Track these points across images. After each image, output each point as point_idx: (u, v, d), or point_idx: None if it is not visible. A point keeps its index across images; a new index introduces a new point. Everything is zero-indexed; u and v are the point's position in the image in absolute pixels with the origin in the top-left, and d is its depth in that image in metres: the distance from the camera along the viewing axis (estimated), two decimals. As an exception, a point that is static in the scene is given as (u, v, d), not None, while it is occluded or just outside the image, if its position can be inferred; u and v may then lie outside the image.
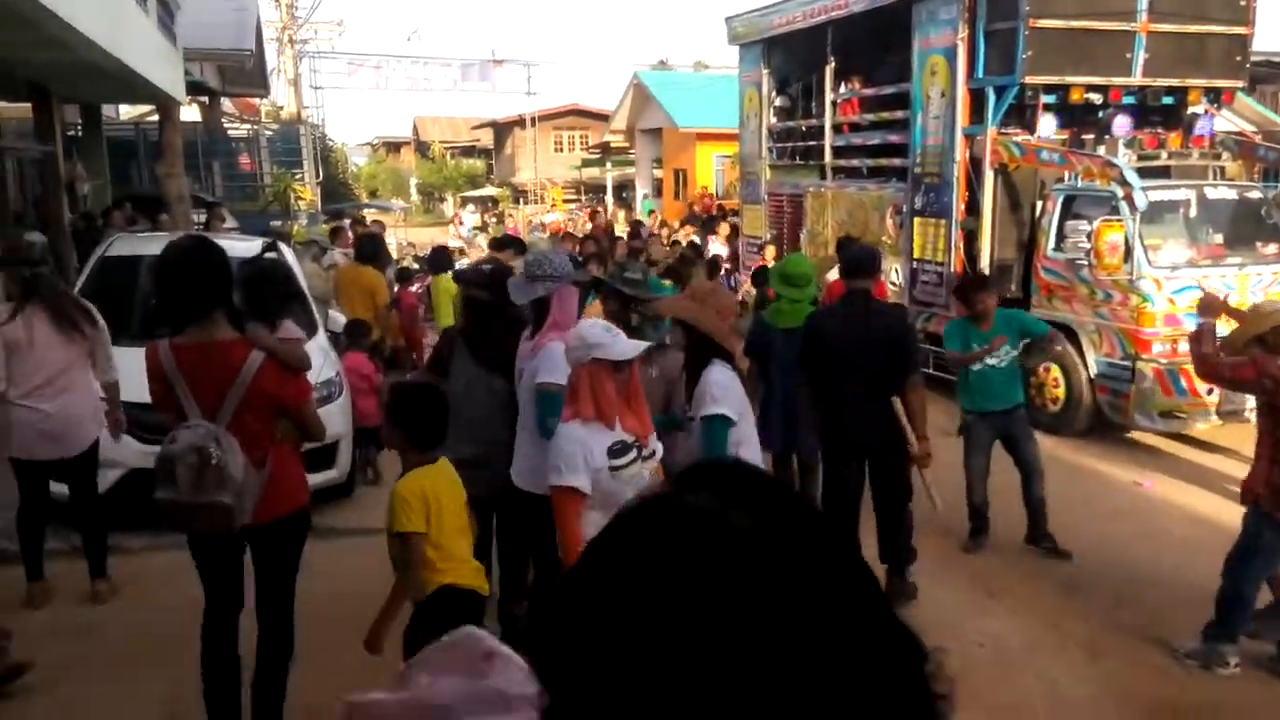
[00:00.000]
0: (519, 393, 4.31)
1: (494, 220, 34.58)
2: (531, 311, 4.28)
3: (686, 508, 0.76)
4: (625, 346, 3.42)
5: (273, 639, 3.79)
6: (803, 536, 0.74)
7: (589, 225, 21.57)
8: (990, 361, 6.23)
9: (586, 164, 39.79)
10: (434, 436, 3.64)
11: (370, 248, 10.09)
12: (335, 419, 6.87)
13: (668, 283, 7.94)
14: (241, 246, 8.80)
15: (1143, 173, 8.97)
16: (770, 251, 13.61)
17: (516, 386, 4.40)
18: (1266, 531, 4.56)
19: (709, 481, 0.79)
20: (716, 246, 15.99)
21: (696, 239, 15.16)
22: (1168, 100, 10.05)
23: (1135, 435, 8.87)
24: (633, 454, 3.43)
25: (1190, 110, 10.23)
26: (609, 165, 36.23)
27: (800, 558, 0.72)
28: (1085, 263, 8.80)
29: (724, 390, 4.08)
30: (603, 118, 38.24)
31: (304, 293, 7.64)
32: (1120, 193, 8.63)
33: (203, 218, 14.65)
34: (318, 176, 23.92)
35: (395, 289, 11.70)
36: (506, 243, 9.50)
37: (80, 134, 16.24)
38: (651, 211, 25.72)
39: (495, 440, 4.51)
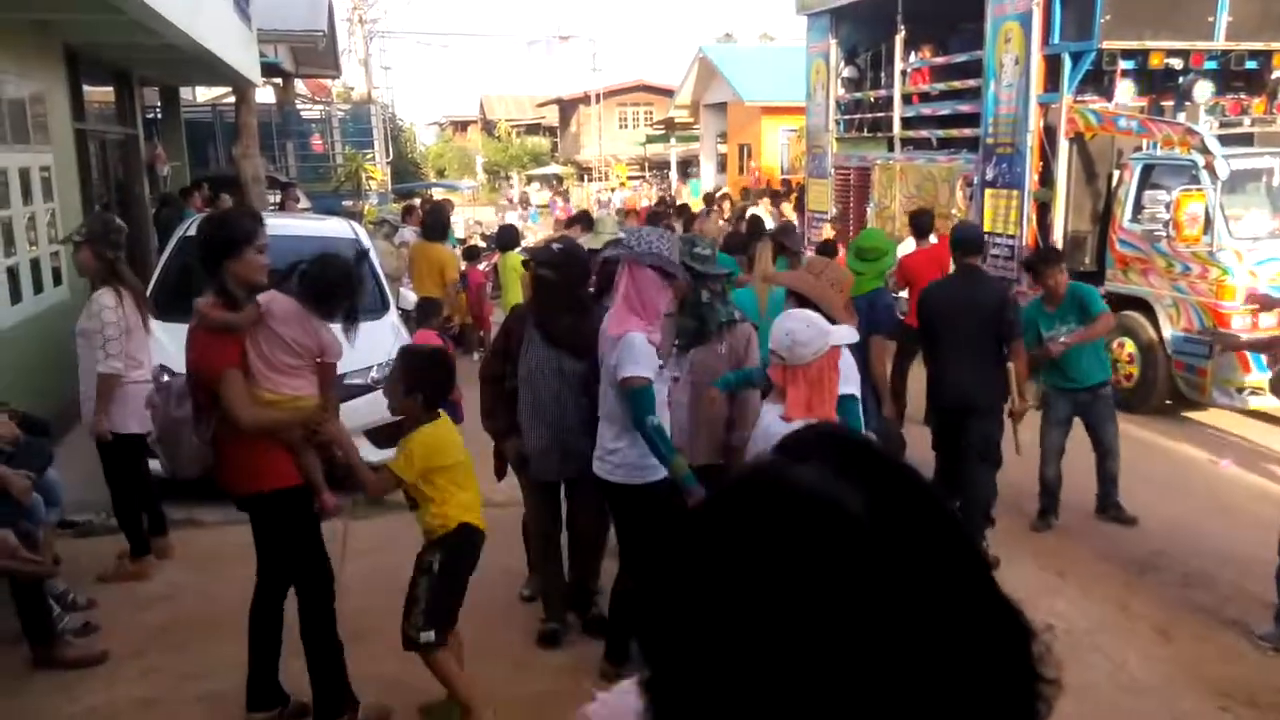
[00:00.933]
0: (602, 380, 4.18)
1: (559, 198, 34.77)
2: (596, 280, 4.27)
3: (798, 486, 0.74)
4: (845, 332, 3.68)
5: (303, 614, 3.93)
6: (915, 517, 0.73)
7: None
8: (1061, 339, 6.11)
9: (651, 140, 39.67)
10: (443, 396, 3.90)
11: (436, 221, 10.19)
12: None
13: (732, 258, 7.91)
14: (318, 226, 9.04)
15: (1225, 140, 8.68)
16: (827, 229, 13.49)
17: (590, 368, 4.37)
18: None
19: (818, 451, 0.78)
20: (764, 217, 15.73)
21: (760, 212, 15.02)
22: (1251, 65, 9.70)
23: (1212, 412, 8.65)
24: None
25: (1275, 75, 9.86)
26: (673, 141, 36.07)
27: (913, 540, 0.72)
28: (1163, 234, 8.57)
29: (851, 368, 4.04)
30: (668, 93, 38.07)
31: (371, 280, 7.78)
32: (1201, 161, 8.37)
33: (278, 198, 14.99)
34: (388, 156, 24.25)
35: (464, 267, 11.87)
36: (576, 219, 9.55)
37: (159, 116, 16.68)
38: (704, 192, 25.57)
39: (566, 424, 4.48)
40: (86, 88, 10.70)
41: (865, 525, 0.71)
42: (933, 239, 8.93)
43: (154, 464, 5.57)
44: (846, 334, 3.59)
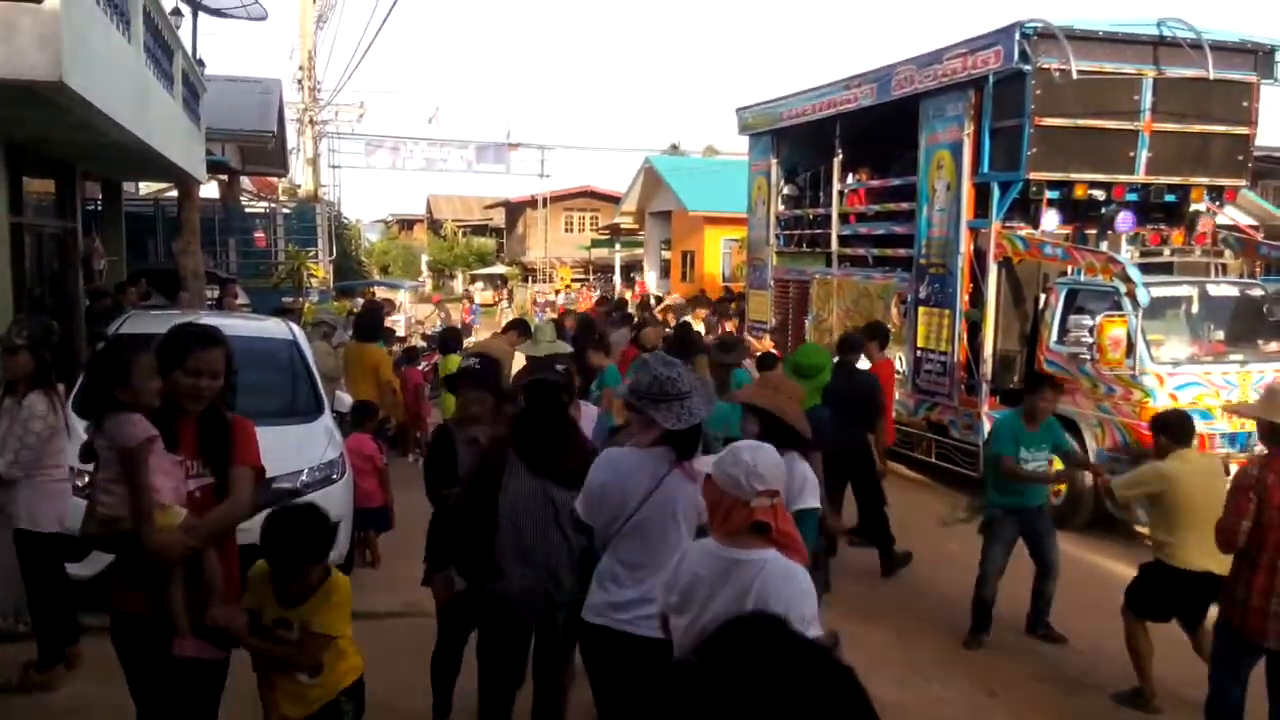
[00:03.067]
0: (651, 517, 3.67)
1: (504, 299, 34.92)
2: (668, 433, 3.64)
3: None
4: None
5: None
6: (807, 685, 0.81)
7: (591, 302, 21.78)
8: (1030, 466, 6.24)
9: (596, 244, 40.26)
10: (326, 546, 3.58)
11: (369, 321, 10.16)
12: (337, 500, 6.88)
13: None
14: (255, 326, 8.96)
15: (1145, 269, 9.08)
16: (767, 341, 13.72)
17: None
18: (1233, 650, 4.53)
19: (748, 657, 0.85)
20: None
21: (700, 322, 15.23)
22: (1170, 198, 10.21)
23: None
24: None
25: (1192, 208, 10.38)
26: (618, 246, 36.65)
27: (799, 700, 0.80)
28: (1088, 356, 8.86)
29: (814, 485, 4.07)
30: (613, 199, 38.80)
31: (306, 382, 7.72)
32: (1123, 288, 8.72)
33: (216, 294, 14.86)
34: (331, 254, 24.22)
35: (402, 369, 11.81)
36: (511, 325, 9.60)
37: (100, 209, 16.54)
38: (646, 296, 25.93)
39: (553, 563, 4.11)
40: (26, 179, 10.60)
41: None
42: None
43: (74, 569, 5.40)
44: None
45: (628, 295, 27.17)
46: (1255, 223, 14.00)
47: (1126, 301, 8.66)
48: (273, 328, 8.56)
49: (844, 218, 12.90)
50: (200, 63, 13.97)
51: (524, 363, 8.36)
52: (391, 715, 4.95)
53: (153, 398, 3.35)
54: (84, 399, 3.48)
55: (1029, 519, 6.31)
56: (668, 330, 13.65)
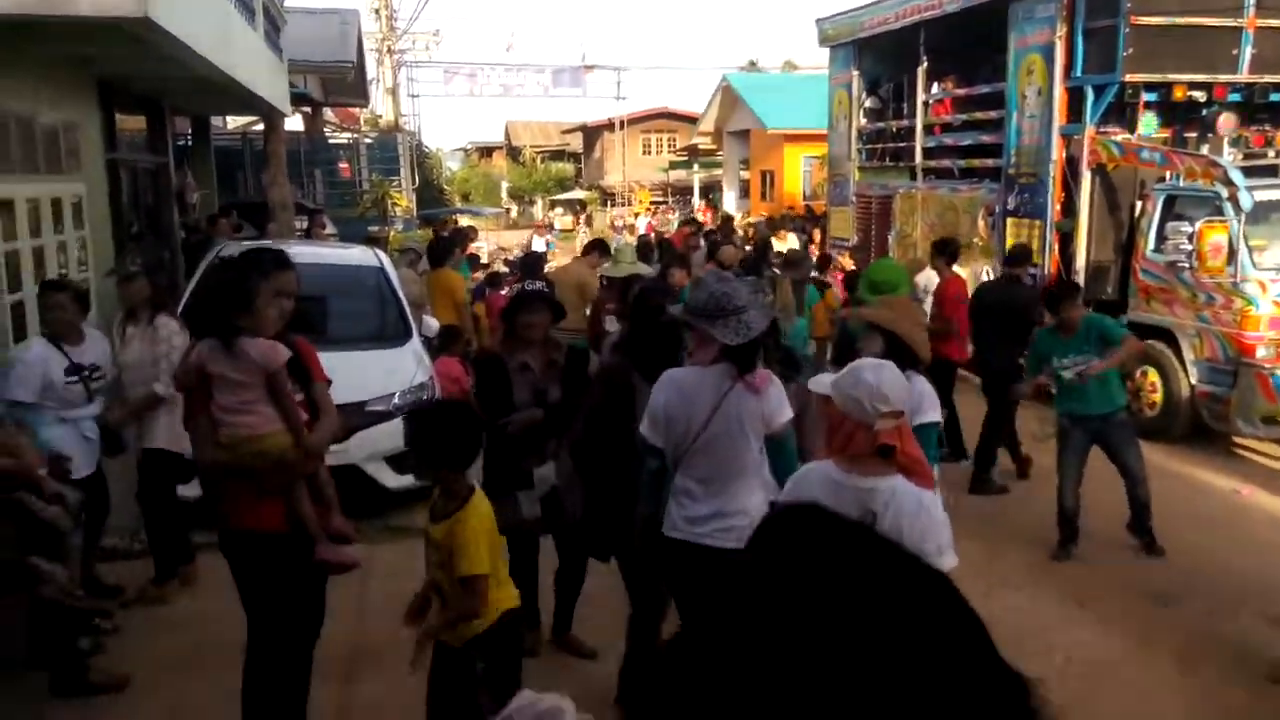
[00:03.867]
0: (727, 428, 3.65)
1: (582, 224, 34.92)
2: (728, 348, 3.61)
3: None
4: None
5: (253, 665, 3.64)
6: (914, 592, 0.78)
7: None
8: (1065, 375, 6.12)
9: (674, 166, 39.92)
10: (470, 454, 3.33)
11: (441, 248, 10.27)
12: (428, 421, 7.10)
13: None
14: (343, 254, 9.15)
15: (1248, 172, 8.67)
16: (847, 259, 13.48)
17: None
18: None
19: (824, 544, 0.82)
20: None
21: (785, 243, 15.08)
22: (1275, 97, 9.68)
23: (1237, 442, 8.59)
24: None
25: (1300, 106, 9.85)
26: (696, 167, 36.30)
27: (922, 622, 0.76)
28: (1186, 265, 8.55)
29: (933, 399, 4.08)
30: (691, 120, 38.31)
31: (394, 307, 7.85)
32: (1224, 193, 8.36)
33: (305, 224, 15.18)
34: (414, 183, 24.48)
35: (486, 293, 11.96)
36: (592, 246, 9.61)
37: (190, 144, 16.95)
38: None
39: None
40: (119, 116, 10.91)
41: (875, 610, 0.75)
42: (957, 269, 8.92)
43: (183, 490, 5.66)
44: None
45: (702, 217, 26.97)
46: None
47: (1228, 206, 8.30)
48: (360, 255, 8.74)
49: (929, 129, 12.56)
50: (279, -5, 14.09)
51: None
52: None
53: (271, 323, 3.49)
54: (198, 322, 3.58)
55: (1098, 427, 6.18)
56: (748, 248, 13.58)
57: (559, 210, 43.26)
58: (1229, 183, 8.30)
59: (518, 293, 4.72)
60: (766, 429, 3.64)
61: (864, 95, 14.01)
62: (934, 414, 4.06)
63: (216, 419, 3.47)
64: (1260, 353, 8.05)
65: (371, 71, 25.64)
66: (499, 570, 3.39)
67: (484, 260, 18.56)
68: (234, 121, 21.60)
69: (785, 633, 0.73)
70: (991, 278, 10.94)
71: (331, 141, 24.10)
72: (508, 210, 46.29)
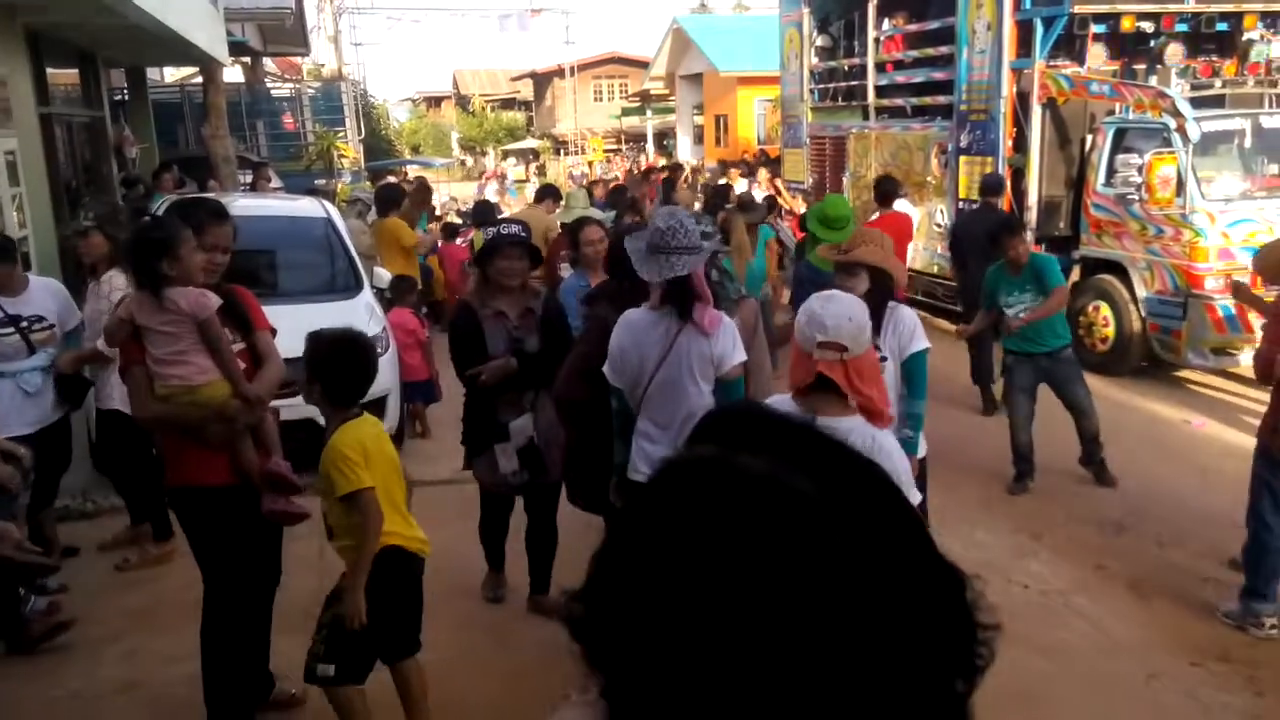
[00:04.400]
0: (674, 373, 3.63)
1: (535, 173, 34.56)
2: (666, 288, 3.59)
3: (745, 474, 0.74)
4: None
5: (210, 617, 3.63)
6: (858, 492, 0.75)
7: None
8: (1009, 313, 6.19)
9: (626, 113, 39.53)
10: (357, 390, 3.33)
11: (386, 196, 10.10)
12: (383, 373, 6.95)
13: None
14: (290, 206, 8.95)
15: (1196, 103, 8.72)
16: (800, 202, 13.48)
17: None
18: (1272, 476, 4.45)
19: (760, 438, 0.78)
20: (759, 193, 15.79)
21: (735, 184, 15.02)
22: (1222, 27, 9.73)
23: (1186, 373, 8.73)
24: None
25: (1246, 36, 9.88)
26: (649, 113, 35.97)
27: (858, 514, 0.73)
28: (1136, 198, 8.61)
29: (919, 327, 4.17)
30: (642, 65, 37.88)
31: (344, 258, 7.70)
32: (1173, 124, 8.40)
33: (249, 178, 14.82)
34: (360, 134, 24.00)
35: (439, 244, 11.81)
36: (545, 193, 9.49)
37: (126, 98, 16.44)
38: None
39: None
40: (50, 70, 10.54)
41: (815, 504, 0.72)
42: (897, 206, 9.05)
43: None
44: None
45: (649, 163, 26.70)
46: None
47: (1176, 138, 8.35)
48: (307, 207, 8.56)
49: (880, 67, 12.48)
50: (213, -62, 13.61)
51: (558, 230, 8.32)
52: (452, 571, 5.11)
53: (198, 272, 3.38)
54: (136, 273, 3.45)
55: (1044, 364, 6.26)
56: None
57: (512, 160, 42.76)
58: (1177, 114, 8.34)
59: (493, 237, 4.43)
60: (716, 371, 3.61)
61: (815, 34, 13.88)
62: (923, 341, 4.12)
63: (152, 371, 3.39)
64: (1209, 284, 8.14)
65: (312, 19, 24.99)
66: (399, 497, 3.40)
67: (437, 212, 18.32)
68: (172, 74, 21.00)
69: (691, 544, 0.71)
70: (943, 216, 11.01)
71: (274, 93, 23.52)
72: (461, 161, 45.71)
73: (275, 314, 6.50)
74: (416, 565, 3.50)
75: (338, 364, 3.29)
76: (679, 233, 3.51)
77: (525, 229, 4.62)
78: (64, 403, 5.05)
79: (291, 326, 6.33)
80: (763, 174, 15.98)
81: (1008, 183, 9.94)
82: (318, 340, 3.37)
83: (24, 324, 4.93)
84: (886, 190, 9.10)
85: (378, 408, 6.96)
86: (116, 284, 5.04)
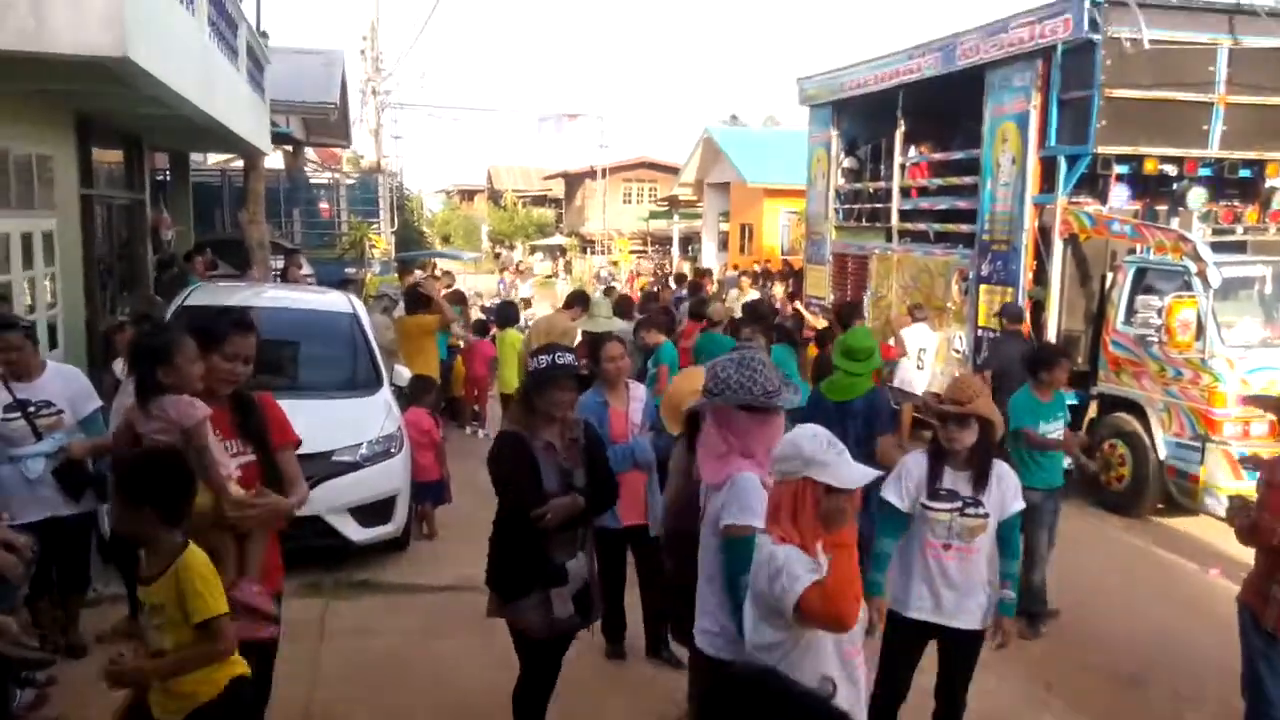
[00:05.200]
0: (702, 532, 3.45)
1: (563, 270, 35.00)
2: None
3: None
4: (852, 473, 2.76)
5: None
6: None
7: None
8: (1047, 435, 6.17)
9: (654, 216, 40.14)
10: (182, 508, 3.02)
11: (415, 295, 10.29)
12: (395, 473, 7.01)
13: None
14: (317, 300, 9.08)
15: (1217, 247, 8.79)
16: (819, 318, 13.62)
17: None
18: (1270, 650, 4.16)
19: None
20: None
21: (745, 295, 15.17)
22: (1245, 173, 9.85)
23: (1206, 518, 8.61)
24: None
25: (1269, 184, 10.02)
26: (676, 217, 36.49)
27: None
28: (1155, 339, 8.63)
29: (1019, 484, 4.20)
30: (672, 170, 38.60)
31: (365, 355, 7.78)
32: (1194, 268, 8.46)
33: (281, 264, 15.08)
34: (393, 226, 24.46)
35: (470, 340, 11.96)
36: (574, 300, 9.60)
37: (168, 179, 16.86)
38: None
39: None
40: (95, 150, 10.84)
41: None
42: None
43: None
44: (853, 475, 2.78)
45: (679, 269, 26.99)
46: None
47: (1197, 282, 8.40)
48: (334, 301, 8.68)
49: (905, 192, 12.68)
50: (264, 34, 14.11)
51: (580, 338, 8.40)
52: (447, 688, 5.04)
53: (195, 381, 3.40)
54: (135, 380, 3.48)
55: (1057, 500, 6.24)
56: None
57: (539, 255, 43.40)
58: (1198, 258, 8.40)
59: (548, 366, 4.05)
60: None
61: (842, 155, 14.14)
62: (1021, 501, 4.14)
63: None
64: (1227, 429, 8.10)
65: (355, 112, 25.72)
66: None
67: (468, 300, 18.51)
68: (214, 157, 21.55)
69: None
70: (961, 343, 11.05)
71: (312, 181, 24.08)
72: (496, 255, 46.39)
73: (294, 408, 6.56)
74: (251, 688, 3.21)
75: (171, 481, 3.02)
76: (723, 378, 3.32)
77: (576, 356, 4.36)
78: (63, 494, 4.96)
79: (309, 421, 6.39)
80: (778, 290, 16.12)
81: (1027, 314, 10.01)
82: (143, 460, 3.11)
83: (31, 409, 4.92)
84: (848, 314, 9.67)
85: (387, 507, 6.98)
86: None
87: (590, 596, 4.19)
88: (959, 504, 4.04)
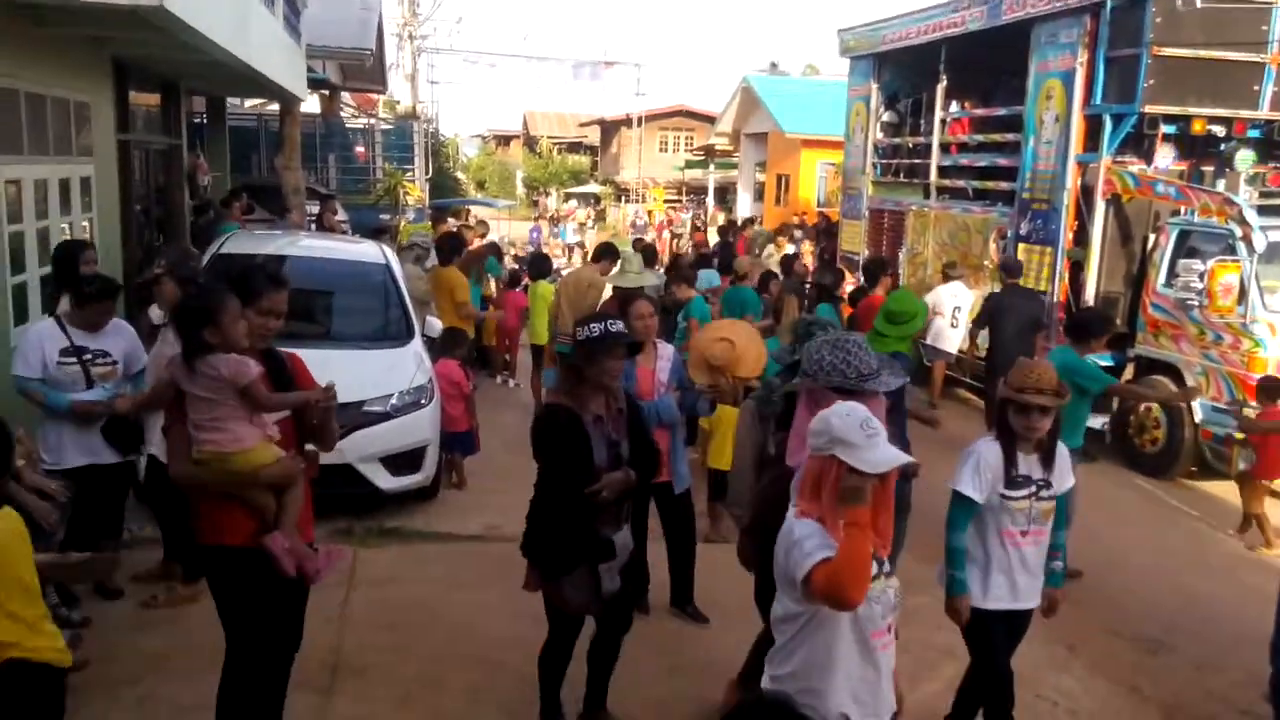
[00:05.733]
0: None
1: (595, 218, 34.85)
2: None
3: None
4: (879, 457, 2.68)
5: (228, 686, 3.67)
6: None
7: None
8: None
9: (690, 165, 39.81)
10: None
11: (449, 245, 10.23)
12: (425, 424, 7.07)
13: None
14: (350, 250, 9.11)
15: (1264, 211, 8.60)
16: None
17: None
18: None
19: None
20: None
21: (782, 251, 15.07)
22: (1295, 135, 9.61)
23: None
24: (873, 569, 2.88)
25: (1320, 146, 9.76)
26: (712, 167, 36.19)
27: None
28: (1196, 302, 8.49)
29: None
30: (709, 120, 38.19)
31: (397, 307, 7.80)
32: (1239, 231, 8.30)
33: (317, 210, 15.16)
34: (427, 173, 24.42)
35: (503, 290, 11.99)
36: (603, 253, 9.54)
37: (204, 123, 16.92)
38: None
39: None
40: (132, 95, 10.88)
41: None
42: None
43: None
44: (880, 458, 2.70)
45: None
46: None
47: (1242, 246, 8.24)
48: (367, 251, 8.70)
49: (945, 148, 12.48)
50: (301, -21, 14.05)
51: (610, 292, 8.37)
52: (472, 638, 5.12)
53: (241, 339, 3.45)
54: (181, 340, 3.53)
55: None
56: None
57: (574, 202, 43.23)
58: (1244, 222, 8.24)
59: (601, 334, 3.90)
60: None
61: (882, 109, 13.93)
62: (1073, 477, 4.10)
63: (191, 434, 3.45)
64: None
65: (391, 57, 25.61)
66: (19, 608, 2.89)
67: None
68: (251, 101, 21.56)
69: None
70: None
71: (348, 126, 24.06)
72: (534, 202, 46.23)
73: (326, 358, 6.59)
74: (51, 677, 3.01)
75: None
76: (817, 359, 3.38)
77: (623, 321, 4.24)
78: (110, 445, 5.11)
79: (341, 372, 6.45)
80: (806, 247, 15.96)
81: (1066, 275, 9.88)
82: None
83: (87, 356, 5.08)
84: (874, 271, 9.70)
85: (417, 457, 7.06)
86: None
87: (637, 568, 4.11)
88: (1034, 488, 3.92)
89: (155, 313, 6.05)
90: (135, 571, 5.58)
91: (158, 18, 6.83)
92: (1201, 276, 8.37)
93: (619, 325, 4.01)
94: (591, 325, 3.93)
